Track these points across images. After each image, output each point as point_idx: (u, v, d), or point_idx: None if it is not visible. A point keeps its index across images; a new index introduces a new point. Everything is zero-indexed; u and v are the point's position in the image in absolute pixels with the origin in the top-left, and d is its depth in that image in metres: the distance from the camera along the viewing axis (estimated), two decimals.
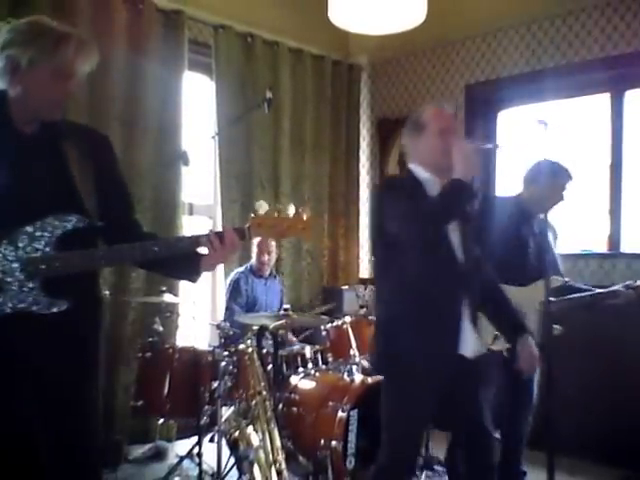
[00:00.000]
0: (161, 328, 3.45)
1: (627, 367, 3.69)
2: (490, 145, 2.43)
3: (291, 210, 1.83)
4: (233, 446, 3.12)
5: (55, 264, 1.68)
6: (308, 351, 3.62)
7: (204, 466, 3.17)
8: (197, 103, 4.41)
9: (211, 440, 3.29)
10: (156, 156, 3.95)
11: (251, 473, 2.79)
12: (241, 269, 4.19)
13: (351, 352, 3.47)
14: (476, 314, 2.34)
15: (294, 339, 4.00)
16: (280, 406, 3.24)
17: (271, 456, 2.80)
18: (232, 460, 3.18)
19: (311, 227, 1.86)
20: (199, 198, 4.45)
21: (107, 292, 3.48)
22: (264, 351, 3.46)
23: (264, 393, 2.98)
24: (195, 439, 3.27)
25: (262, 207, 1.80)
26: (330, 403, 3.10)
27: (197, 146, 4.23)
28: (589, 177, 4.20)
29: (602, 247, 4.13)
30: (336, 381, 3.27)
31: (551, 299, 2.48)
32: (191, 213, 4.33)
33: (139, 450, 3.81)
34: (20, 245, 1.68)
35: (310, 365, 3.55)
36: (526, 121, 4.42)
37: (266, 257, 4.16)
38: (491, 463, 2.32)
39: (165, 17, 4.01)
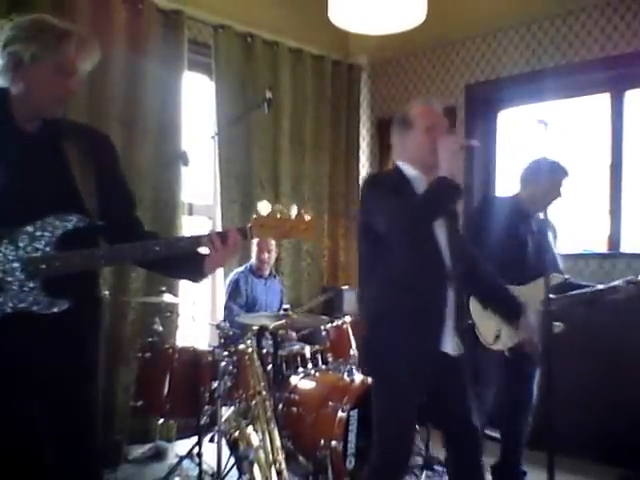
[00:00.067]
0: (161, 328, 3.45)
1: (627, 366, 3.69)
2: (476, 142, 2.41)
3: (293, 211, 1.82)
4: (233, 446, 3.12)
5: (55, 264, 1.68)
6: (308, 351, 3.62)
7: (204, 466, 3.16)
8: (197, 103, 4.41)
9: (211, 440, 3.29)
10: (156, 156, 3.95)
11: (251, 473, 2.78)
12: (241, 269, 4.19)
13: (351, 352, 3.47)
14: (461, 311, 2.33)
15: (294, 334, 3.99)
16: (280, 406, 3.24)
17: (271, 456, 2.80)
18: (232, 460, 3.18)
19: (313, 228, 1.85)
20: (199, 198, 4.45)
21: (107, 292, 3.48)
22: (264, 351, 3.46)
23: (264, 393, 2.97)
24: (195, 439, 3.27)
25: (264, 207, 1.80)
26: (330, 403, 3.10)
27: (197, 146, 4.23)
28: (589, 177, 4.20)
29: (602, 247, 4.13)
30: (336, 381, 3.26)
31: (551, 296, 2.48)
32: (191, 213, 4.32)
33: (139, 450, 3.80)
34: (21, 245, 1.67)
35: (310, 365, 3.55)
36: (526, 121, 4.42)
37: (266, 255, 4.16)
38: (477, 461, 2.32)
39: (165, 17, 4.01)
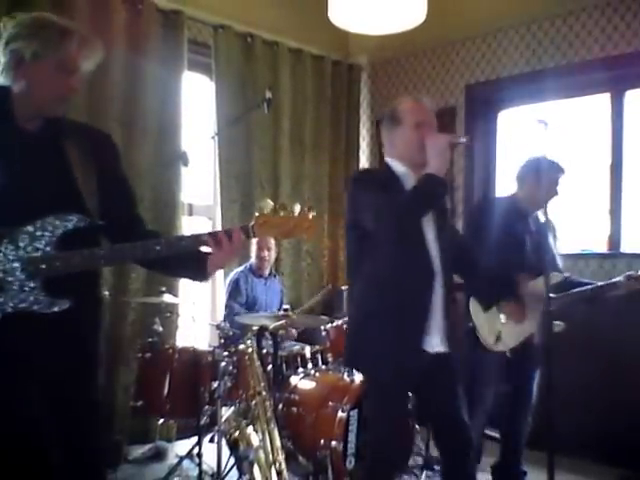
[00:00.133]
0: (161, 328, 3.45)
1: (627, 366, 3.69)
2: (463, 139, 2.39)
3: (296, 209, 1.80)
4: (233, 446, 3.12)
5: (56, 264, 1.68)
6: (308, 351, 3.62)
7: (204, 466, 3.16)
8: (197, 103, 4.41)
9: (211, 440, 3.29)
10: (155, 156, 3.95)
11: (251, 473, 2.78)
12: (240, 269, 4.20)
13: None
14: (449, 309, 2.32)
15: (294, 331, 3.99)
16: (280, 406, 3.24)
17: (271, 456, 2.79)
18: (232, 460, 3.18)
19: (316, 226, 1.84)
20: (199, 198, 4.45)
21: (107, 292, 3.48)
22: (264, 351, 3.46)
23: (264, 393, 2.97)
24: (195, 439, 3.27)
25: (267, 205, 1.78)
26: (330, 403, 3.09)
27: (197, 146, 4.23)
28: (589, 177, 4.20)
29: (602, 247, 4.13)
30: (336, 381, 3.26)
31: (551, 295, 2.48)
32: (191, 214, 4.32)
33: (139, 450, 3.80)
34: (21, 244, 1.67)
35: (310, 365, 3.55)
36: (526, 121, 4.42)
37: (266, 253, 4.16)
38: (467, 460, 2.32)
39: (164, 17, 4.01)
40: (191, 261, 1.86)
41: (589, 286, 3.05)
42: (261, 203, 1.79)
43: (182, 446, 3.73)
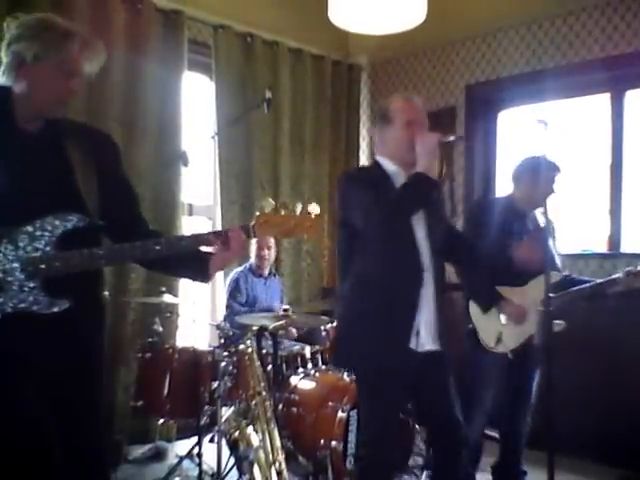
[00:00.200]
0: (161, 328, 3.45)
1: (627, 366, 3.69)
2: (452, 137, 2.37)
3: (298, 208, 1.79)
4: (233, 446, 3.12)
5: (55, 264, 1.68)
6: (308, 351, 3.61)
7: (204, 466, 3.16)
8: (197, 103, 4.41)
9: (211, 440, 3.29)
10: (156, 156, 3.95)
11: (251, 473, 2.78)
12: (240, 268, 4.20)
13: None
14: (441, 307, 2.32)
15: (294, 330, 3.99)
16: (280, 406, 3.24)
17: (271, 456, 2.79)
18: (232, 460, 3.18)
19: (318, 225, 1.82)
20: (199, 198, 4.45)
21: (107, 292, 3.47)
22: (264, 351, 3.46)
23: (264, 393, 2.97)
24: (195, 439, 3.27)
25: (268, 205, 1.77)
26: (330, 403, 3.09)
27: (197, 146, 4.23)
28: (589, 177, 4.20)
29: (602, 247, 4.12)
30: (336, 381, 3.26)
31: (551, 295, 2.48)
32: (191, 214, 4.32)
33: (139, 450, 3.80)
34: (20, 245, 1.67)
35: (310, 365, 3.55)
36: (526, 121, 4.42)
37: (266, 252, 4.16)
38: (459, 460, 2.32)
39: (164, 17, 4.01)
40: (193, 261, 1.86)
41: (588, 284, 3.04)
42: (262, 202, 1.78)
43: (182, 446, 3.72)
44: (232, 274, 4.17)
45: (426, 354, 2.26)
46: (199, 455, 3.18)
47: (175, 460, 3.48)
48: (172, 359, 3.32)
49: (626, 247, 4.03)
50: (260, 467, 2.77)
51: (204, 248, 1.85)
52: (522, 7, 4.21)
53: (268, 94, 3.49)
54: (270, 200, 1.79)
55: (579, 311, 3.12)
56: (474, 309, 2.94)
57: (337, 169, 5.07)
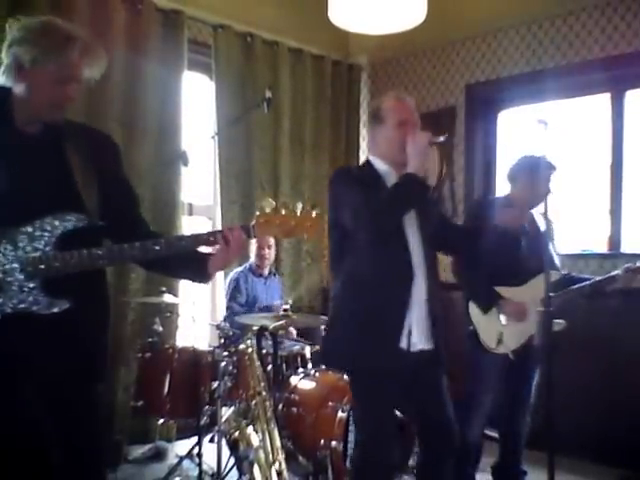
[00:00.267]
0: (161, 328, 3.45)
1: (627, 366, 3.69)
2: (442, 138, 2.37)
3: (299, 208, 1.79)
4: (233, 446, 3.12)
5: (54, 264, 1.68)
6: (308, 351, 3.61)
7: (204, 466, 3.16)
8: (197, 103, 4.41)
9: (211, 440, 3.29)
10: (156, 156, 3.95)
11: (251, 473, 2.78)
12: (240, 268, 4.19)
13: None
14: (434, 306, 2.31)
15: (294, 331, 3.99)
16: (280, 406, 3.24)
17: (271, 456, 2.79)
18: (232, 460, 3.18)
19: (319, 225, 1.82)
20: (199, 198, 4.45)
21: None
22: (264, 351, 3.46)
23: (264, 393, 2.97)
24: (195, 439, 3.27)
25: (268, 204, 1.77)
26: (330, 403, 3.09)
27: (197, 146, 4.23)
28: (589, 177, 4.20)
29: (602, 247, 4.12)
30: (336, 381, 3.26)
31: (551, 294, 2.47)
32: (190, 213, 4.32)
33: (139, 450, 3.80)
34: (20, 245, 1.67)
35: (310, 365, 3.55)
36: (526, 121, 4.42)
37: (266, 251, 4.16)
38: (447, 460, 2.32)
39: (164, 17, 4.01)
40: (191, 262, 1.86)
41: (588, 281, 3.04)
42: (262, 202, 1.77)
43: (182, 446, 3.72)
44: (232, 274, 4.17)
45: (420, 353, 2.26)
46: (199, 455, 3.18)
47: (175, 460, 3.48)
48: (172, 359, 3.32)
49: (626, 247, 4.03)
50: (260, 467, 2.77)
51: (203, 248, 1.84)
52: (522, 7, 4.21)
53: (268, 94, 3.49)
54: (270, 200, 1.78)
55: (579, 311, 3.12)
56: (474, 310, 2.94)
57: None
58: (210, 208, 4.51)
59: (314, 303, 4.79)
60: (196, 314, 3.68)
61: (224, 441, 3.11)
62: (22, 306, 1.67)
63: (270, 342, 3.42)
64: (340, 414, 3.02)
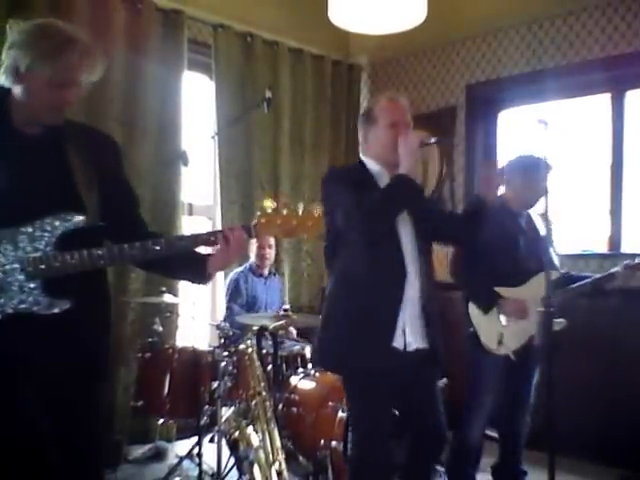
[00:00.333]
0: (161, 328, 3.45)
1: (627, 366, 3.69)
2: (433, 139, 2.32)
3: (300, 207, 1.78)
4: (233, 446, 3.12)
5: (55, 264, 1.68)
6: (308, 351, 3.61)
7: (204, 466, 3.16)
8: (197, 103, 4.41)
9: (211, 440, 3.29)
10: (155, 156, 3.95)
11: (251, 473, 2.78)
12: (240, 269, 4.19)
13: None
14: (430, 305, 2.31)
15: (294, 331, 3.99)
16: (280, 406, 3.24)
17: (271, 456, 2.79)
18: (232, 460, 3.18)
19: (319, 225, 1.82)
20: (199, 198, 4.45)
21: None
22: (264, 351, 3.46)
23: (264, 393, 2.97)
24: (195, 439, 3.27)
25: (269, 204, 1.77)
26: (330, 403, 3.09)
27: (197, 146, 4.23)
28: (589, 177, 4.20)
29: (602, 247, 4.12)
30: (336, 381, 3.25)
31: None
32: (190, 213, 4.32)
33: (139, 450, 3.80)
34: (20, 245, 1.67)
35: (310, 365, 3.55)
36: (526, 121, 4.42)
37: (267, 250, 4.15)
38: (434, 462, 2.32)
39: (164, 17, 4.01)
40: (191, 263, 1.86)
41: (588, 280, 3.03)
42: (263, 202, 1.77)
43: (182, 446, 3.72)
44: (232, 274, 4.17)
45: (416, 353, 2.26)
46: (199, 455, 3.18)
47: (175, 460, 3.48)
48: (172, 359, 3.32)
49: (626, 247, 4.03)
50: (260, 467, 2.77)
51: (204, 249, 1.84)
52: (522, 7, 4.21)
53: (268, 94, 3.49)
54: (271, 199, 1.77)
55: (580, 310, 3.12)
56: (474, 311, 2.94)
57: None
58: (210, 208, 4.51)
59: (314, 303, 4.79)
60: (196, 314, 3.68)
61: (224, 441, 3.11)
62: (23, 306, 1.67)
63: (270, 342, 3.42)
64: (340, 414, 3.01)
